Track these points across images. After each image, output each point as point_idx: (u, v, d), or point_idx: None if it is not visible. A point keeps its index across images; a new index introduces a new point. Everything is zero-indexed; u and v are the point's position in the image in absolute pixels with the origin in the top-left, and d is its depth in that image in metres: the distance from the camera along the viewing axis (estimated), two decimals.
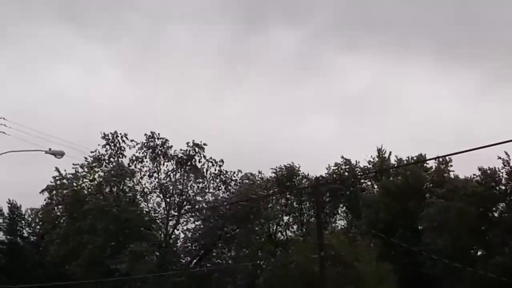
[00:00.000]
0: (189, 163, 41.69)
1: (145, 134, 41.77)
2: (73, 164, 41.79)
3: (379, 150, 55.71)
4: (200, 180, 41.69)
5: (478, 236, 45.72)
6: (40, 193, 42.87)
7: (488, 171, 45.67)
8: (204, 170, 42.08)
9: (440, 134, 71.96)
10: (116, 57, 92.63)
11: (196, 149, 41.76)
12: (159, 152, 41.60)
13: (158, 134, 42.00)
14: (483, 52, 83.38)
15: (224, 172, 42.37)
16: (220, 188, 42.24)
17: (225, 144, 61.61)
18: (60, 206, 44.33)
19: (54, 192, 43.52)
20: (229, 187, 42.49)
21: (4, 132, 31.70)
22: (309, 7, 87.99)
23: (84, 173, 42.42)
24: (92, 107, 75.33)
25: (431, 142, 67.00)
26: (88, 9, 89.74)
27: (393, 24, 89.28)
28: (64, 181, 42.78)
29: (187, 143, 41.85)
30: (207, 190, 41.97)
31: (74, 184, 42.92)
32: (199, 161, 42.03)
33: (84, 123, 67.89)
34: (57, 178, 43.04)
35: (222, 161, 42.35)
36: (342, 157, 55.53)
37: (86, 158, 41.76)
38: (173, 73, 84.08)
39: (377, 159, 55.80)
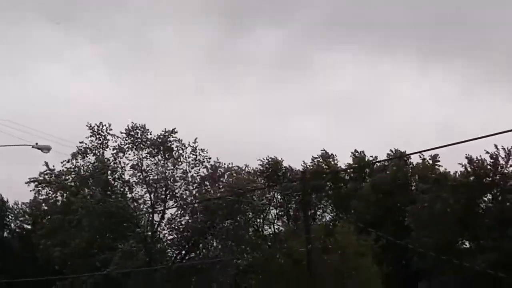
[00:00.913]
0: (165, 146, 41.26)
1: (127, 127, 41.47)
2: (61, 162, 41.88)
3: (353, 156, 56.02)
4: (176, 163, 41.17)
5: (465, 228, 45.88)
6: (26, 184, 42.86)
7: (475, 162, 45.88)
8: (179, 155, 41.61)
9: (432, 132, 72.54)
10: (112, 57, 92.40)
11: (170, 135, 41.43)
12: (139, 138, 41.23)
13: (142, 124, 41.77)
14: (472, 51, 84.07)
15: (200, 151, 41.62)
16: (199, 174, 41.69)
17: (225, 144, 61.73)
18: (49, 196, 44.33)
19: (41, 186, 43.44)
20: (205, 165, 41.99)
21: None
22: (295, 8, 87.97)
23: (70, 168, 42.30)
24: (87, 107, 74.36)
25: (422, 140, 67.66)
26: (77, 9, 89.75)
27: (380, 24, 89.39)
28: (55, 173, 42.72)
29: (160, 135, 41.66)
30: (186, 175, 41.43)
31: (62, 178, 42.89)
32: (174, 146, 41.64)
33: (76, 124, 67.27)
34: (45, 172, 42.95)
35: (195, 140, 41.73)
36: (323, 150, 56.01)
37: (77, 147, 41.60)
38: (171, 73, 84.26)
39: (352, 162, 56.23)
